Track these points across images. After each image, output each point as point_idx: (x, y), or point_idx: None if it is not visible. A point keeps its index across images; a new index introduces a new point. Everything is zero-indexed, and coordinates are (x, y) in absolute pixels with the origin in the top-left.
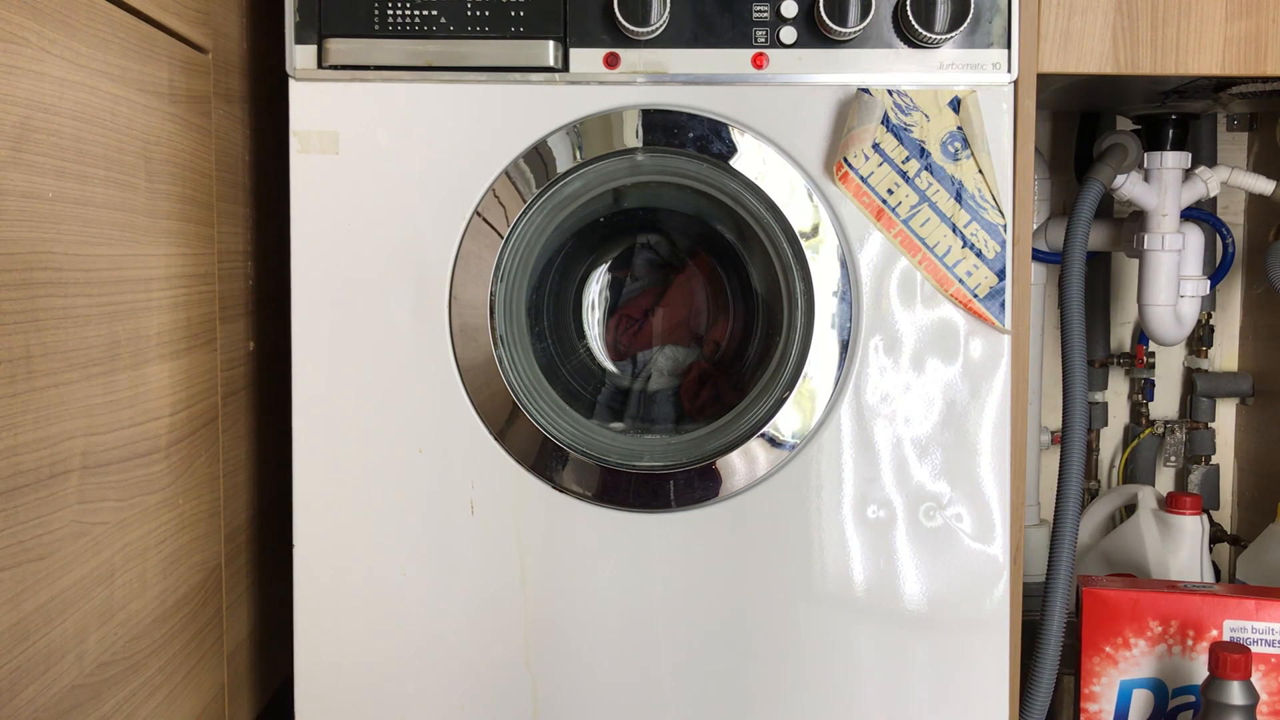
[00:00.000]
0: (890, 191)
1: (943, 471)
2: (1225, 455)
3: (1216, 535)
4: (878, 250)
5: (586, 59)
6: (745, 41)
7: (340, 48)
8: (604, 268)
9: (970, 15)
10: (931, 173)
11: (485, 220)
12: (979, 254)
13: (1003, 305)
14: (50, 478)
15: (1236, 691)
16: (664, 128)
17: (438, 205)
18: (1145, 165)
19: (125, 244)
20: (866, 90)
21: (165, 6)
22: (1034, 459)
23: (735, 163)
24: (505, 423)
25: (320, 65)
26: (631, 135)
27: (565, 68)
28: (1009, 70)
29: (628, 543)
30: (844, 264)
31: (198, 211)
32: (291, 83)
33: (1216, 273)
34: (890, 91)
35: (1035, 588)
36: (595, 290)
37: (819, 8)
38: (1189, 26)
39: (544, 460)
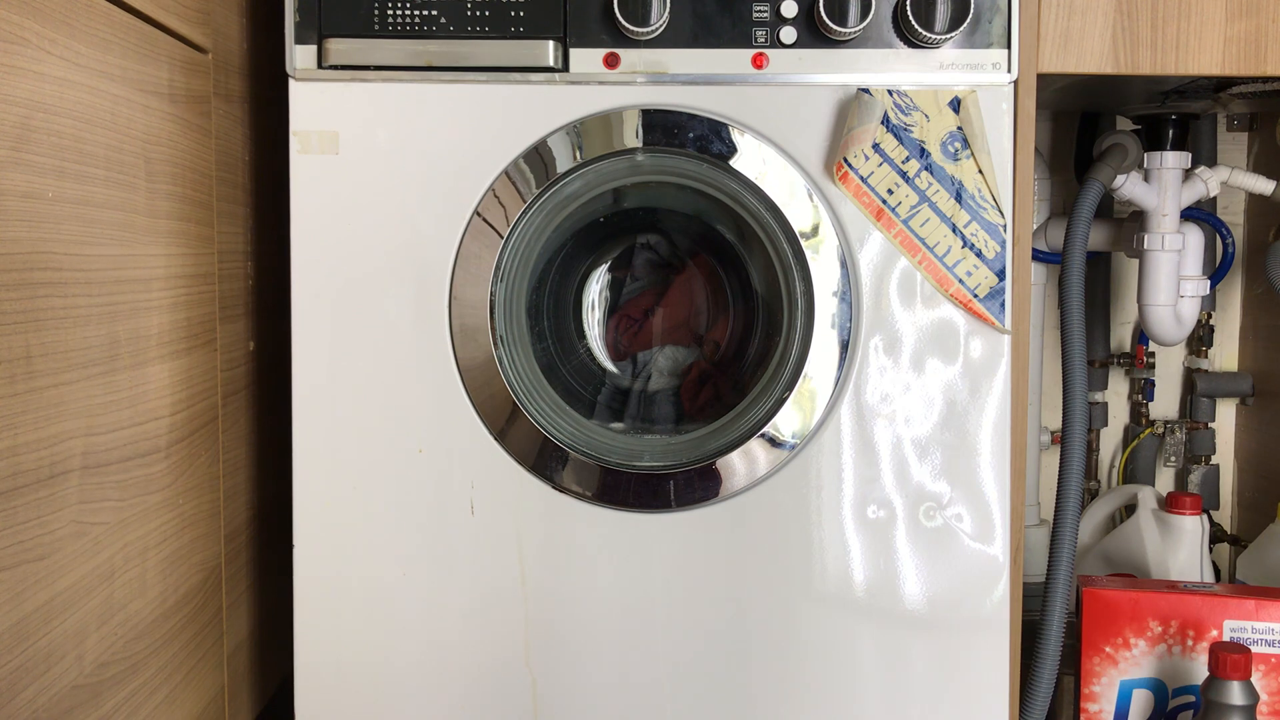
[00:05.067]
0: (890, 191)
1: (943, 471)
2: (1225, 455)
3: (1216, 535)
4: (878, 250)
5: (586, 59)
6: (745, 41)
7: (340, 48)
8: (604, 268)
9: (970, 15)
10: (931, 173)
11: (485, 220)
12: (979, 254)
13: (1003, 305)
14: (50, 478)
15: (1236, 691)
16: (664, 128)
17: (438, 205)
18: (1145, 165)
19: (125, 244)
20: (866, 90)
21: (165, 6)
22: (1034, 459)
23: (735, 163)
24: (505, 423)
25: (320, 65)
26: (631, 135)
27: (565, 68)
28: (1009, 70)
29: (628, 543)
30: (844, 264)
31: (198, 211)
32: (291, 83)
33: (1216, 273)
34: (890, 91)
35: (1035, 588)
36: (595, 290)
37: (819, 8)
38: (1189, 26)
39: (544, 460)
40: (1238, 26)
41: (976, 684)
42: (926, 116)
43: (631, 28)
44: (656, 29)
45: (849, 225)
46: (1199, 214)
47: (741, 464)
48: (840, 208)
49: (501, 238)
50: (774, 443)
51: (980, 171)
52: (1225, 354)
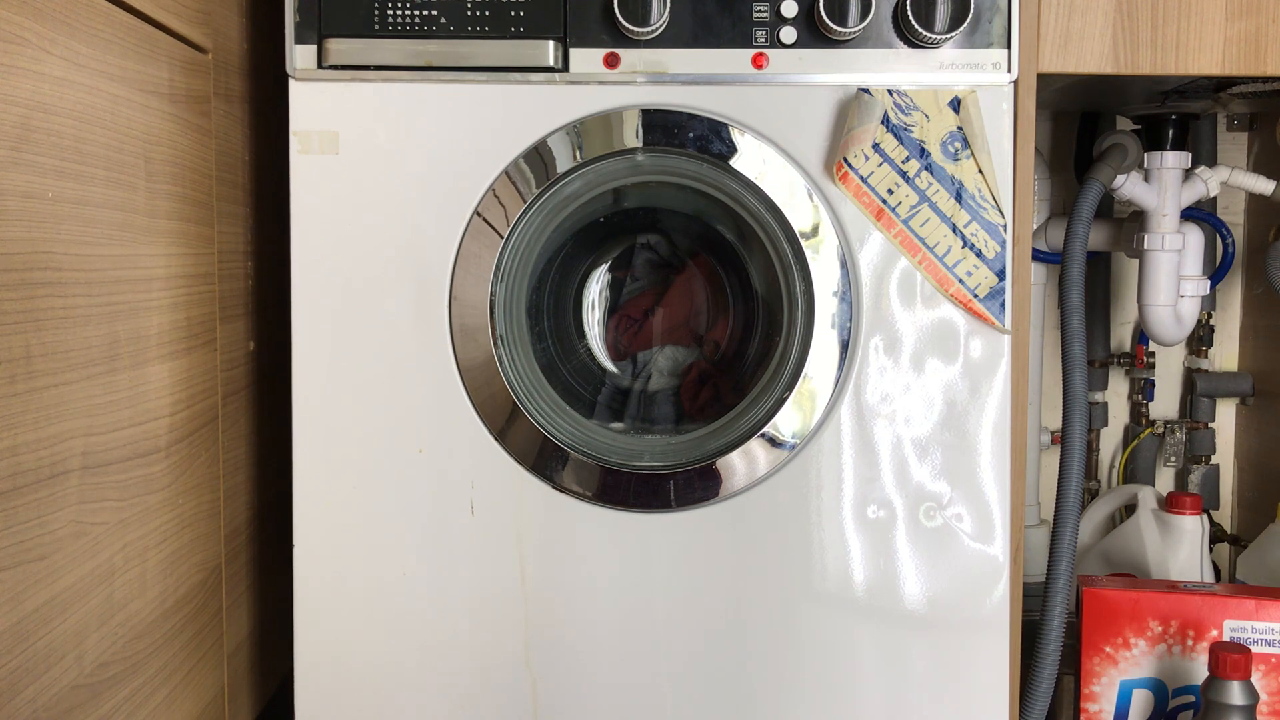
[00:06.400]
0: (890, 191)
1: (943, 471)
2: (1225, 455)
3: (1216, 535)
4: (878, 250)
5: (586, 59)
6: (745, 41)
7: (340, 48)
8: (604, 268)
9: (970, 15)
10: (931, 173)
11: (485, 220)
12: (979, 254)
13: (1003, 305)
14: (50, 478)
15: (1236, 691)
16: (664, 128)
17: (438, 205)
18: (1145, 165)
19: (125, 244)
20: (866, 90)
21: (165, 6)
22: (1034, 459)
23: (735, 163)
24: (505, 423)
25: (320, 65)
26: (631, 135)
27: (565, 68)
28: (1009, 70)
29: (628, 543)
30: (844, 264)
31: (198, 211)
32: (291, 83)
33: (1216, 273)
34: (890, 91)
35: (1035, 588)
36: (595, 290)
37: (819, 8)
38: (1189, 26)
39: (544, 460)
40: (1238, 26)
41: (976, 684)
42: (926, 116)
43: (631, 28)
44: (656, 29)
45: (849, 225)
46: (1199, 214)
47: (741, 464)
48: (840, 208)
49: (501, 238)
50: (774, 443)
51: (980, 171)
52: (1225, 354)
